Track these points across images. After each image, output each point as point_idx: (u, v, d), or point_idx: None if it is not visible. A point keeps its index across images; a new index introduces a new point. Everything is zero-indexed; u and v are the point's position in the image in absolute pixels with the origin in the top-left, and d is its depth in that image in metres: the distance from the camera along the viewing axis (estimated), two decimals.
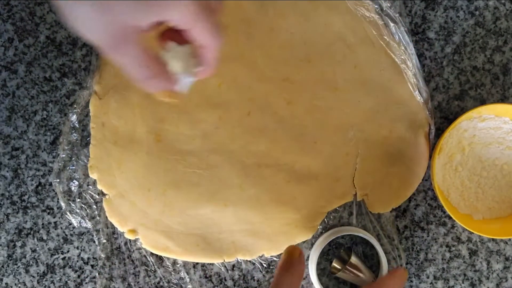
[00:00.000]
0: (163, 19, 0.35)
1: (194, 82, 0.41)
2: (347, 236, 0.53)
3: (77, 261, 0.53)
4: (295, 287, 0.42)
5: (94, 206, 0.53)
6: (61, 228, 0.53)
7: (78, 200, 0.53)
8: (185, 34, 0.37)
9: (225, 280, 0.53)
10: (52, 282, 0.53)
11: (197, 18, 0.35)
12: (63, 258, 0.53)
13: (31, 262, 0.53)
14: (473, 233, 0.52)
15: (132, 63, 0.36)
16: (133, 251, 0.53)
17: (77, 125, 0.53)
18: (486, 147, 0.53)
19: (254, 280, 0.53)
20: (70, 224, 0.53)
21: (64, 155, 0.52)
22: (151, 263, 0.53)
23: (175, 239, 0.52)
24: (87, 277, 0.53)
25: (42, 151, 0.53)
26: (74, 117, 0.52)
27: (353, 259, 0.51)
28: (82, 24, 0.34)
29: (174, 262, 0.53)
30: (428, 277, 0.53)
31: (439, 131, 0.53)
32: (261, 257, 0.53)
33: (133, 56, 0.36)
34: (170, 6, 0.34)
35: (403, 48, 0.52)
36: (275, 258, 0.53)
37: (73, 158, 0.52)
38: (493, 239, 0.53)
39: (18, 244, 0.53)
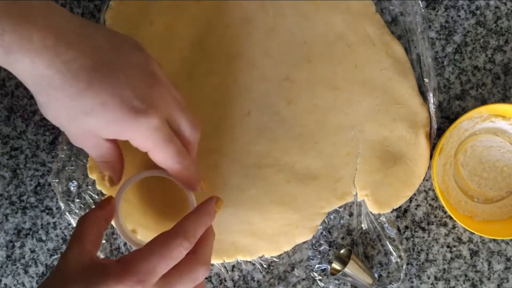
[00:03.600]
0: (123, 139, 0.41)
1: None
2: (348, 237, 0.53)
3: None
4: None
5: (93, 207, 0.53)
6: (60, 228, 0.53)
7: (77, 200, 0.52)
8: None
9: (225, 280, 0.53)
10: None
11: (155, 144, 0.41)
12: None
13: (30, 263, 0.53)
14: (474, 233, 0.52)
15: (92, 152, 0.43)
16: None
17: None
18: (487, 148, 0.52)
19: (254, 280, 0.53)
20: (69, 224, 0.53)
21: (63, 155, 0.52)
22: None
23: None
24: None
25: (41, 151, 0.53)
26: None
27: (353, 260, 0.50)
28: (52, 112, 0.40)
29: None
30: (429, 278, 0.53)
31: (440, 131, 0.53)
32: (261, 257, 0.53)
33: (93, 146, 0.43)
34: (128, 132, 0.40)
35: (404, 47, 0.52)
36: (275, 259, 0.53)
37: (72, 158, 0.52)
38: (494, 240, 0.53)
39: (17, 244, 0.53)
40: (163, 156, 0.42)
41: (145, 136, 0.41)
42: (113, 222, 0.49)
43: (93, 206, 0.53)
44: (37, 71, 0.38)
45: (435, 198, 0.53)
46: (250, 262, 0.53)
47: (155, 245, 0.40)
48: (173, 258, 0.40)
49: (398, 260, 0.52)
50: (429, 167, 0.52)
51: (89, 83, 0.38)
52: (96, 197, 0.53)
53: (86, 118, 0.39)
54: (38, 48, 0.37)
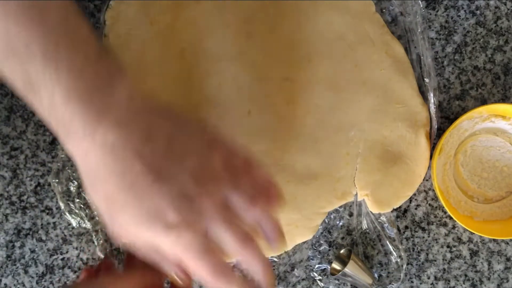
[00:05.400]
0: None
1: None
2: (348, 237, 0.53)
3: (76, 261, 0.53)
4: None
5: (94, 207, 0.52)
6: (60, 228, 0.53)
7: (77, 200, 0.52)
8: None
9: None
10: (51, 282, 0.53)
11: (184, 258, 0.38)
12: (62, 259, 0.53)
13: (30, 263, 0.53)
14: (474, 233, 0.52)
15: None
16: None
17: None
18: (486, 148, 0.52)
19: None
20: (69, 224, 0.53)
21: (63, 155, 0.52)
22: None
23: None
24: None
25: (41, 151, 0.53)
26: None
27: (353, 260, 0.50)
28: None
29: None
30: (429, 278, 0.53)
31: (440, 131, 0.53)
32: None
33: None
34: (155, 242, 0.38)
35: (404, 47, 0.52)
36: (275, 259, 0.53)
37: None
38: (494, 240, 0.53)
39: (17, 244, 0.53)
40: (197, 269, 0.39)
41: (173, 251, 0.38)
42: None
43: (93, 207, 0.53)
44: (80, 160, 0.37)
45: (435, 198, 0.53)
46: None
47: None
48: None
49: (398, 260, 0.52)
50: (429, 167, 0.52)
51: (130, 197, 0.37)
52: None
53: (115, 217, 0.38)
54: (100, 143, 0.36)
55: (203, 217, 0.38)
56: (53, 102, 0.35)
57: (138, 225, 0.38)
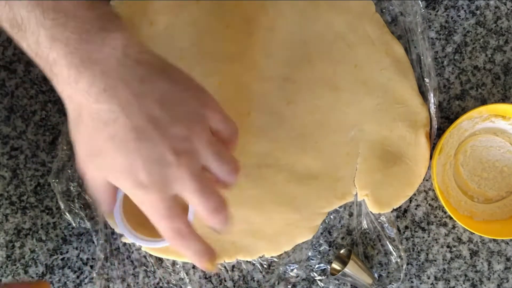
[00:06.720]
0: None
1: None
2: (348, 237, 0.53)
3: (76, 261, 0.53)
4: None
5: (93, 207, 0.53)
6: (60, 228, 0.53)
7: (77, 200, 0.52)
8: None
9: (225, 281, 0.53)
10: (51, 282, 0.53)
11: (148, 215, 0.40)
12: (62, 259, 0.53)
13: (30, 263, 0.53)
14: (474, 233, 0.52)
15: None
16: (132, 251, 0.53)
17: None
18: (486, 148, 0.52)
19: (254, 281, 0.53)
20: (69, 224, 0.53)
21: (63, 155, 0.52)
22: (151, 264, 0.53)
23: None
24: (86, 277, 0.53)
25: (41, 151, 0.53)
26: None
27: (353, 260, 0.50)
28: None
29: (174, 263, 0.53)
30: (429, 278, 0.53)
31: (440, 131, 0.53)
32: (261, 257, 0.53)
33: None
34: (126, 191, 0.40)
35: (404, 47, 0.52)
36: (275, 259, 0.53)
37: (72, 158, 0.52)
38: (494, 240, 0.53)
39: (17, 244, 0.53)
40: (158, 227, 0.40)
41: (140, 206, 0.39)
42: (115, 220, 0.49)
43: (93, 207, 0.53)
44: (70, 103, 0.37)
45: (435, 198, 0.53)
46: (250, 262, 0.53)
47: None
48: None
49: (398, 260, 0.52)
50: (429, 167, 0.52)
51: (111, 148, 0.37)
52: None
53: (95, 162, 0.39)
54: (84, 90, 0.36)
55: (174, 184, 0.38)
56: (39, 44, 0.35)
57: (110, 173, 0.38)
